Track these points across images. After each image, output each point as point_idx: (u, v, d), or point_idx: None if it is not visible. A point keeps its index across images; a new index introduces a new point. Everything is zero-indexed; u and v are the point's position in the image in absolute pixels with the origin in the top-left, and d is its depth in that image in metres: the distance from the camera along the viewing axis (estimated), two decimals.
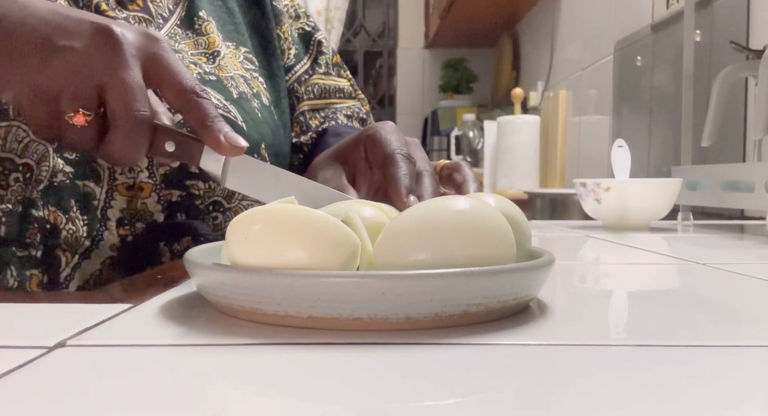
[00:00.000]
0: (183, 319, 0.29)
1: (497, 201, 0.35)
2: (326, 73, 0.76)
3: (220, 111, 0.55)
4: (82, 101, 0.40)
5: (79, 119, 0.40)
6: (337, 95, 0.76)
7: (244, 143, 0.42)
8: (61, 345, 0.25)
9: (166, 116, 0.46)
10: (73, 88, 0.39)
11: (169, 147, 0.43)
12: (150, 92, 0.44)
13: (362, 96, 0.80)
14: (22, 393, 0.20)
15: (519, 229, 0.33)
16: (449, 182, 0.54)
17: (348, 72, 0.80)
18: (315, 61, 0.76)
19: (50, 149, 0.49)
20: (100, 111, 0.40)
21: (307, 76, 0.75)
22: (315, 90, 0.75)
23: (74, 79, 0.39)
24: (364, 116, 0.78)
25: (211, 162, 0.43)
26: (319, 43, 0.77)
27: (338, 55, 0.80)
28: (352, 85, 0.79)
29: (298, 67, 0.74)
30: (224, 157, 0.43)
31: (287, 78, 0.73)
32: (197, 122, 0.42)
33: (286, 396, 0.20)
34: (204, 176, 0.55)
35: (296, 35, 0.76)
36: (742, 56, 1.06)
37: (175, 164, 0.48)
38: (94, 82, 0.39)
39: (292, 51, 0.74)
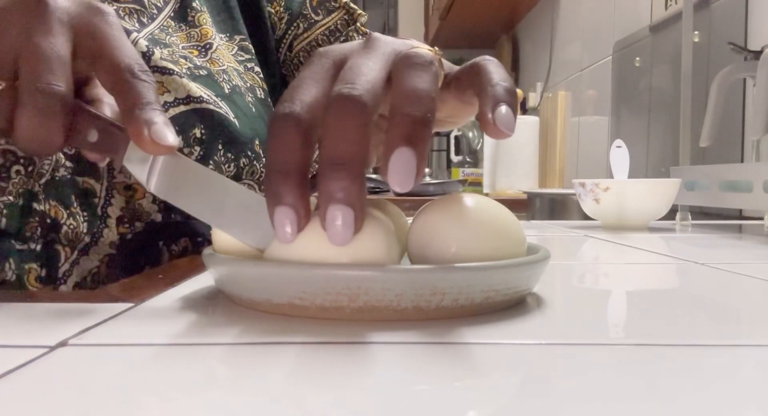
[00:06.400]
0: (184, 319, 0.29)
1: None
2: (310, 26, 0.67)
3: (211, 107, 0.54)
4: None
5: None
6: (331, 41, 0.67)
7: (172, 141, 0.33)
8: (63, 344, 0.25)
9: (110, 108, 0.38)
10: None
11: (92, 137, 0.35)
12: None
13: (360, 19, 0.68)
14: (23, 392, 0.20)
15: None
16: (469, 88, 0.38)
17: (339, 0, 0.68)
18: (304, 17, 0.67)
19: None
20: (15, 84, 0.33)
21: (297, 42, 0.67)
22: (302, 58, 0.67)
23: None
24: None
25: (135, 159, 0.34)
26: None
27: None
28: (348, 11, 0.68)
29: (289, 32, 0.67)
30: (152, 155, 0.34)
31: (279, 52, 0.68)
32: (124, 108, 0.34)
33: (287, 395, 0.20)
34: None
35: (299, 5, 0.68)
36: (740, 57, 1.07)
37: (102, 161, 0.40)
38: (9, 45, 0.33)
39: (284, 19, 0.67)
